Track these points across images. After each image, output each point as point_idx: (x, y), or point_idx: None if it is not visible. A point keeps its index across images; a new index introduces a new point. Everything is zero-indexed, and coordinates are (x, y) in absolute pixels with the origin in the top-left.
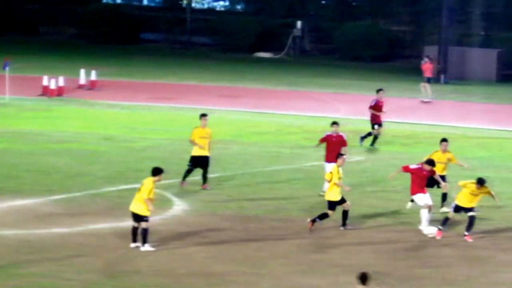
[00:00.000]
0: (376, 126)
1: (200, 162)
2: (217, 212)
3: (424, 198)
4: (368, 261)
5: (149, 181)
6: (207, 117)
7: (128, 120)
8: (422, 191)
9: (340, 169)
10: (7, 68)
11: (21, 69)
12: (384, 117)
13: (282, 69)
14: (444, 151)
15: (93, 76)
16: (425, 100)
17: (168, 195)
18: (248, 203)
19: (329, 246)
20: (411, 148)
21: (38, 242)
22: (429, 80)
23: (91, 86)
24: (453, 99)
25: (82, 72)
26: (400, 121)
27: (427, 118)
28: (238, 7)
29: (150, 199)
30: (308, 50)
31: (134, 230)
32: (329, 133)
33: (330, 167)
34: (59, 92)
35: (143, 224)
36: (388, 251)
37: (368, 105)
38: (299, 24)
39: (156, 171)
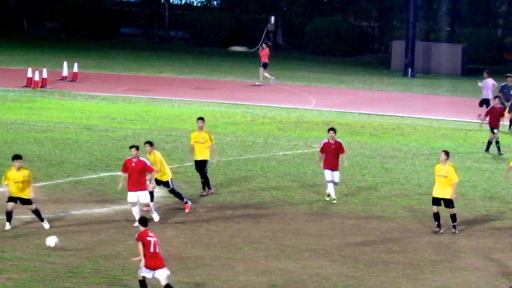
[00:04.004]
0: (495, 130)
1: (197, 167)
2: (193, 199)
3: None
4: (338, 246)
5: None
6: (201, 121)
7: (108, 111)
8: None
9: None
10: None
11: (6, 62)
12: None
13: (256, 63)
14: None
15: (75, 68)
16: (258, 83)
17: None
18: (223, 190)
19: (301, 232)
20: (379, 138)
21: (23, 227)
22: (265, 66)
23: (73, 78)
24: (420, 92)
25: (65, 64)
26: (369, 112)
27: (394, 110)
28: (214, 2)
29: None
30: (281, 44)
31: (10, 214)
32: (325, 140)
33: (330, 174)
34: (43, 83)
35: (34, 206)
36: (357, 237)
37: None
38: (272, 19)
39: (17, 157)
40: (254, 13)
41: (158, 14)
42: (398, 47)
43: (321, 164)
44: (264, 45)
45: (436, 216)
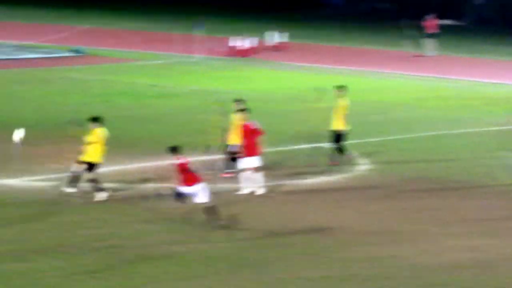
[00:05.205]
0: None
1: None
2: (399, 172)
3: None
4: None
5: None
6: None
7: (315, 82)
8: None
9: None
10: (202, 28)
11: (209, 30)
12: None
13: (462, 37)
14: None
15: (279, 38)
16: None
17: (354, 154)
18: (430, 165)
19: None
20: None
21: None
22: (430, 36)
23: (278, 47)
24: None
25: (270, 34)
26: None
27: None
28: None
29: None
30: (489, 19)
31: None
32: None
33: None
34: (246, 52)
35: None
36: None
37: None
38: None
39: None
40: None
41: None
42: None
43: None
44: (431, 16)
45: None
